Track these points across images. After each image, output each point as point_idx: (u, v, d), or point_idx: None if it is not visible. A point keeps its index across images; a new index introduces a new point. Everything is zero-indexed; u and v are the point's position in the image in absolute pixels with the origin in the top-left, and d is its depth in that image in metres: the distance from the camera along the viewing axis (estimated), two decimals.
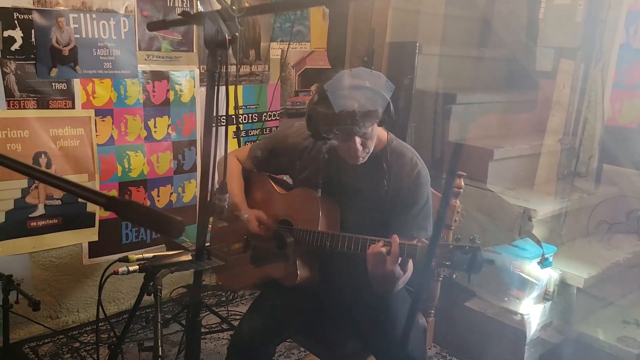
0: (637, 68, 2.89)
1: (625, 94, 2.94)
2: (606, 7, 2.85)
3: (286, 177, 2.18)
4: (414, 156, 1.87)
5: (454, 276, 1.57)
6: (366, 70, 1.77)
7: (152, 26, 1.40)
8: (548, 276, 2.44)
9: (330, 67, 3.53)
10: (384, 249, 1.61)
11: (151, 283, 1.55)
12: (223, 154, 1.42)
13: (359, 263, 1.93)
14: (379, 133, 1.82)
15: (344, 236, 1.74)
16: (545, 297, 2.47)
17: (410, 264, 1.75)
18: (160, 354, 1.33)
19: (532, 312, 2.43)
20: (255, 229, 1.94)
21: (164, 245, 2.89)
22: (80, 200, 2.78)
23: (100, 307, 1.60)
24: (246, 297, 3.30)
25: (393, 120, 1.72)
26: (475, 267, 1.48)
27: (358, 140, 1.69)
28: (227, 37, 1.16)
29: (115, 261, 1.57)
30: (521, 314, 2.42)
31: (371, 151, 1.78)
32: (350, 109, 1.60)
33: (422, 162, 1.88)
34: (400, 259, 1.61)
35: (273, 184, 2.07)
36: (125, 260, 1.56)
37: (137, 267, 1.53)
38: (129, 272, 1.51)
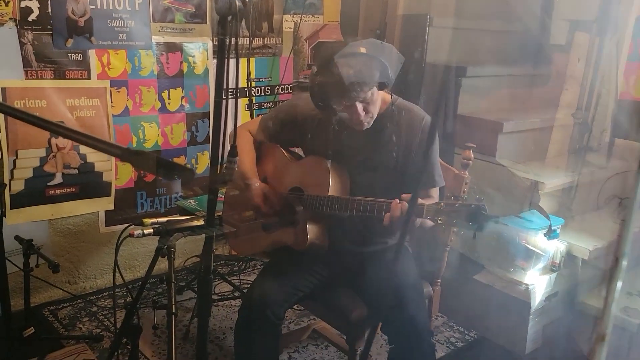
0: None
1: None
2: None
3: (298, 150, 2.22)
4: (419, 109, 1.92)
5: (461, 232, 1.62)
6: (376, 41, 1.79)
7: None
8: (555, 248, 2.46)
9: (342, 40, 3.52)
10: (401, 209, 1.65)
11: (165, 246, 1.61)
12: (233, 124, 1.45)
13: (366, 231, 1.98)
14: (383, 96, 1.85)
15: (353, 200, 1.79)
16: (552, 268, 2.49)
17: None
18: (173, 311, 1.39)
19: (537, 282, 2.46)
20: (260, 205, 1.99)
21: (177, 214, 2.95)
22: (96, 169, 2.85)
23: (116, 268, 1.65)
24: (258, 267, 3.36)
25: (391, 84, 1.76)
26: (480, 224, 1.52)
27: (360, 105, 1.74)
28: (237, 4, 1.18)
29: (131, 224, 1.63)
30: (526, 284, 2.45)
31: (375, 116, 1.81)
32: (346, 75, 1.65)
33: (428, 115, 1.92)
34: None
35: (285, 153, 2.11)
36: (141, 224, 1.62)
37: (152, 230, 1.58)
38: (143, 234, 1.56)
